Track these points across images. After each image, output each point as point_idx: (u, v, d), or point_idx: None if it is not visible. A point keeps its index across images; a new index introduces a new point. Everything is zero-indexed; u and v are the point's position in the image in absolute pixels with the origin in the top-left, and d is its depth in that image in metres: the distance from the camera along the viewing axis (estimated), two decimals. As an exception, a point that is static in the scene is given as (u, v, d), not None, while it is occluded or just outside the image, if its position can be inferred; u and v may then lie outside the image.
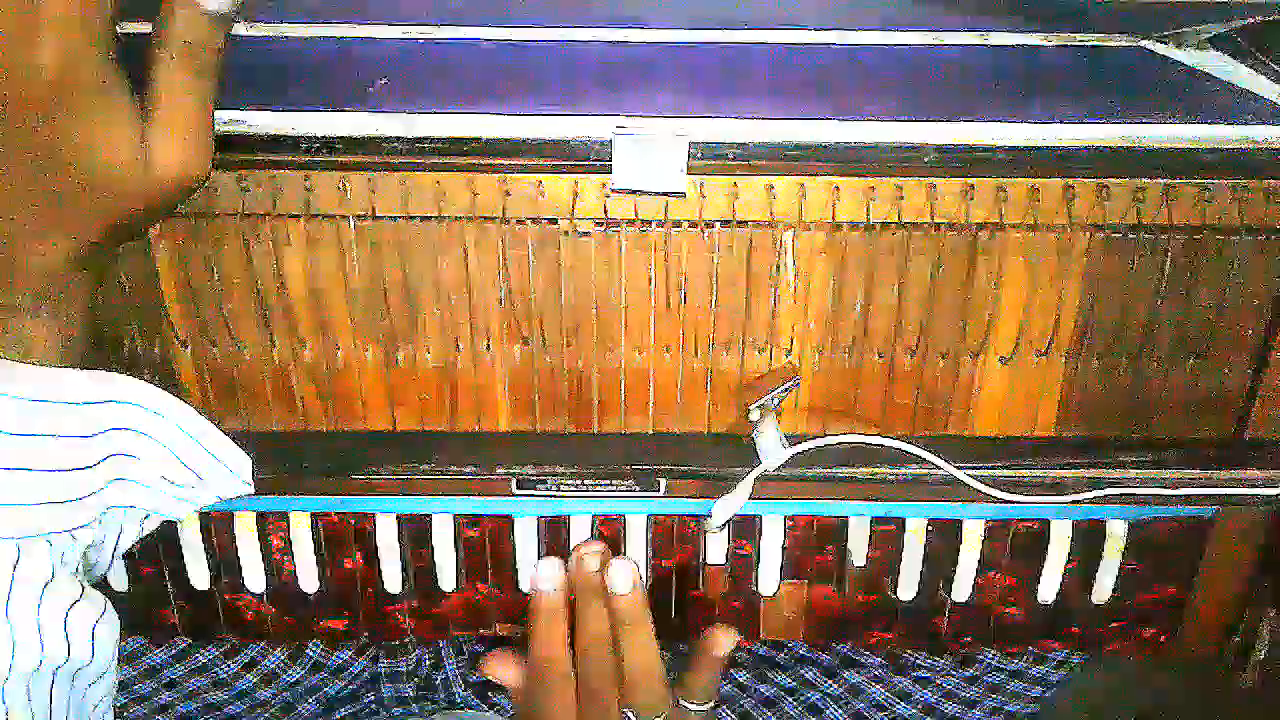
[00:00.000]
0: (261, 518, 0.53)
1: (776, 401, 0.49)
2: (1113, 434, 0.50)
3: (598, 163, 0.43)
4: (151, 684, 0.70)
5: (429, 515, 0.54)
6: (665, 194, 0.44)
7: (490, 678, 0.56)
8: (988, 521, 0.53)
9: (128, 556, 0.53)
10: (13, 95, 0.35)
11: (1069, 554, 0.54)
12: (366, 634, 0.58)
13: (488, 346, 0.48)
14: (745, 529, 0.54)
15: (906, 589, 0.55)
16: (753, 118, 0.43)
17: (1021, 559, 0.54)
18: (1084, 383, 0.49)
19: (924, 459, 0.49)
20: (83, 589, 0.42)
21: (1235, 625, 0.56)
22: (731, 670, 0.75)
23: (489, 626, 0.57)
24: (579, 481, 0.51)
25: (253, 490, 0.47)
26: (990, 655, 0.73)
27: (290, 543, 0.54)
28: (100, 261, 0.41)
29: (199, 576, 0.54)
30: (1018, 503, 0.50)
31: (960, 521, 0.53)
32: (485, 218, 0.45)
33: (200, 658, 0.70)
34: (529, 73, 0.48)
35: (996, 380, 0.49)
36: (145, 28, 0.38)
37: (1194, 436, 0.50)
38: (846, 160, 0.43)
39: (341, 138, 0.42)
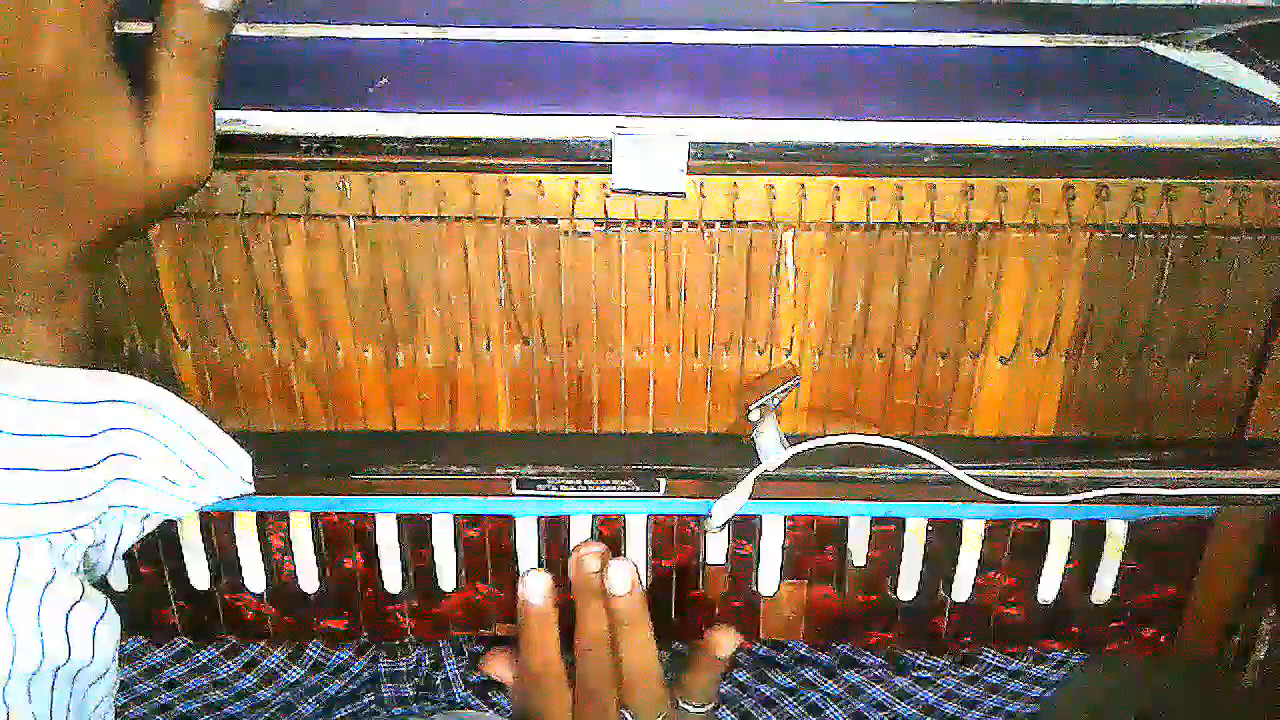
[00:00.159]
0: (261, 518, 0.53)
1: (776, 401, 0.49)
2: (1113, 434, 0.50)
3: (598, 163, 0.43)
4: (151, 684, 0.70)
5: (429, 515, 0.54)
6: (665, 194, 0.44)
7: (488, 675, 0.56)
8: (988, 521, 0.53)
9: (128, 556, 0.53)
10: (13, 95, 0.35)
11: (1069, 554, 0.54)
12: (366, 634, 0.58)
13: (488, 346, 0.48)
14: (745, 529, 0.54)
15: (906, 589, 0.55)
16: (753, 118, 0.43)
17: (1021, 559, 0.54)
18: (1084, 383, 0.49)
19: (924, 459, 0.49)
20: (83, 589, 0.42)
21: (1235, 625, 0.56)
22: (731, 670, 0.75)
23: (489, 626, 0.57)
24: (579, 481, 0.51)
25: (253, 489, 0.47)
26: (990, 655, 0.73)
27: (290, 543, 0.54)
28: (100, 261, 0.41)
29: (199, 576, 0.54)
30: (1018, 503, 0.50)
31: (960, 521, 0.53)
32: (485, 218, 0.45)
33: (200, 658, 0.70)
34: (529, 73, 0.48)
35: (996, 380, 0.49)
36: (145, 28, 0.38)
37: (1194, 436, 0.50)
38: (846, 160, 0.43)
39: (341, 138, 0.42)
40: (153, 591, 0.55)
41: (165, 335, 0.48)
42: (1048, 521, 0.53)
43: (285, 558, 0.54)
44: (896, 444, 0.49)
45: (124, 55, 0.37)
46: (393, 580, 0.55)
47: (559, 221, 0.45)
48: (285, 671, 0.72)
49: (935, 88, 0.48)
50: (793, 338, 0.48)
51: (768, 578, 0.55)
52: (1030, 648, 0.61)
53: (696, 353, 0.49)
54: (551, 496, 0.52)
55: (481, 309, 0.47)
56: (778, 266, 0.46)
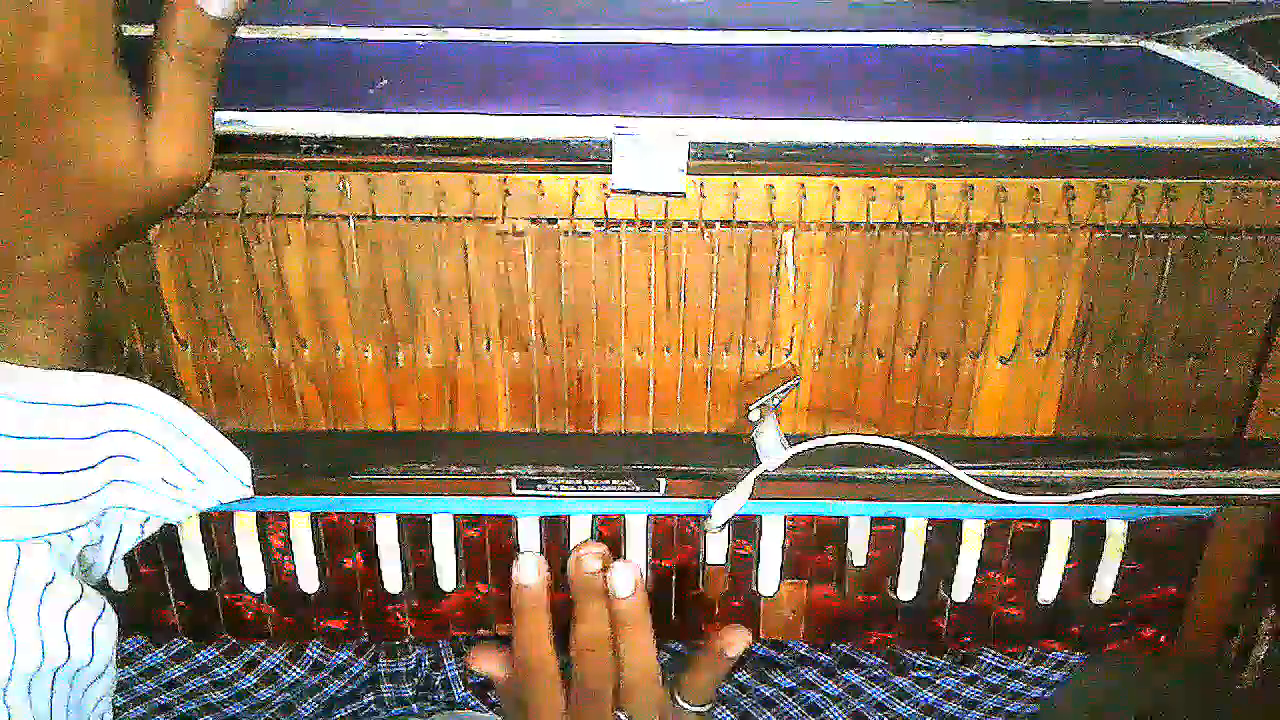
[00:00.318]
0: (261, 518, 0.53)
1: (776, 401, 0.49)
2: (1113, 434, 0.50)
3: (598, 163, 0.43)
4: (151, 684, 0.70)
5: (429, 515, 0.54)
6: (665, 194, 0.44)
7: (476, 670, 0.56)
8: (988, 521, 0.53)
9: (128, 557, 0.53)
10: (14, 95, 0.35)
11: (1069, 554, 0.54)
12: (366, 634, 0.58)
13: (488, 347, 0.48)
14: (745, 529, 0.54)
15: (906, 589, 0.55)
16: (753, 118, 0.43)
17: (1021, 559, 0.54)
18: (1084, 383, 0.49)
19: (924, 459, 0.49)
20: (82, 590, 0.42)
21: (1235, 625, 0.56)
22: (733, 671, 0.75)
23: (489, 626, 0.57)
24: (579, 481, 0.51)
25: (252, 494, 0.47)
26: (990, 655, 0.73)
27: (290, 543, 0.54)
28: (100, 262, 0.41)
29: (199, 576, 0.54)
30: (1018, 503, 0.50)
31: (960, 521, 0.53)
32: (485, 218, 0.45)
33: (200, 658, 0.70)
34: (529, 73, 0.48)
35: (996, 380, 0.49)
36: (147, 30, 0.38)
37: (1194, 436, 0.50)
38: (846, 160, 0.43)
39: (341, 138, 0.42)
40: (153, 592, 0.55)
41: (165, 335, 0.48)
42: (1048, 521, 0.53)
43: (285, 558, 0.54)
44: (896, 444, 0.49)
45: (125, 57, 0.37)
46: (393, 580, 0.55)
47: (559, 221, 0.45)
48: (285, 671, 0.72)
49: (935, 88, 0.48)
50: (793, 338, 0.48)
51: (768, 578, 0.55)
52: (1030, 648, 0.61)
53: (696, 353, 0.49)
54: (551, 496, 0.52)
55: (481, 309, 0.47)
56: (778, 266, 0.46)
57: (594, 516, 0.54)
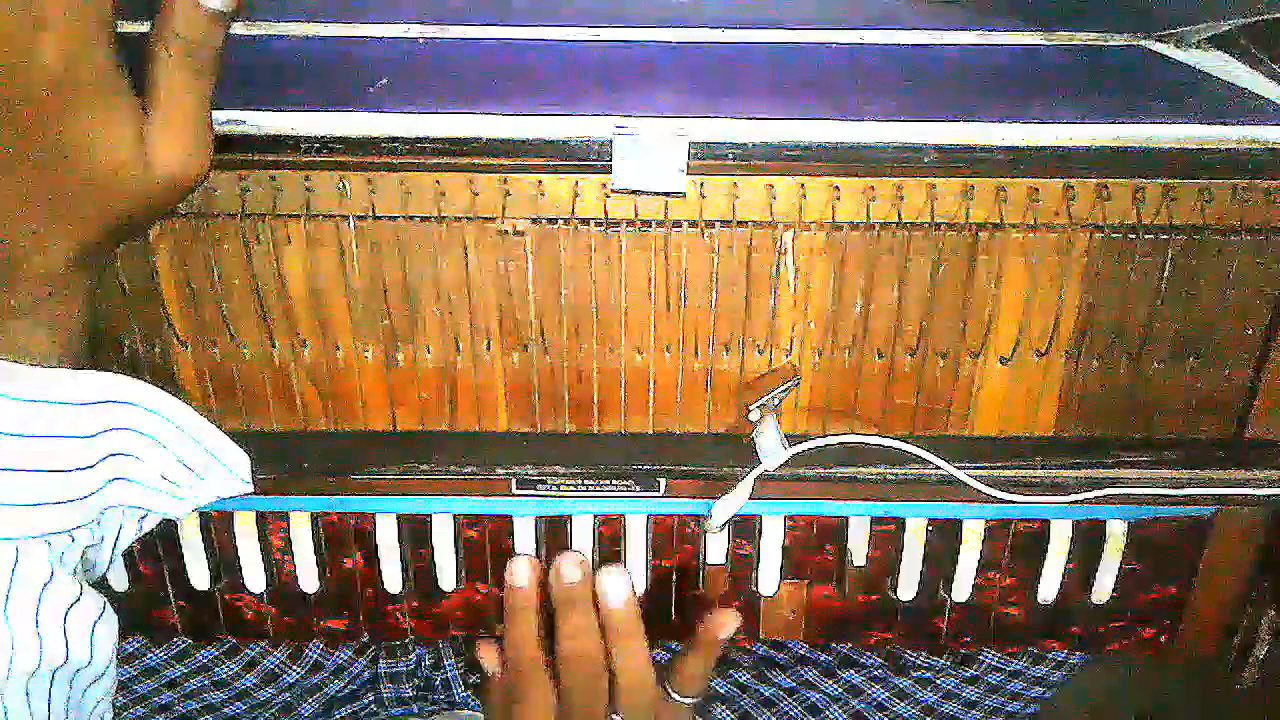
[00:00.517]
0: (261, 518, 0.53)
1: (776, 401, 0.49)
2: (1113, 434, 0.50)
3: (598, 163, 0.43)
4: (151, 684, 0.70)
5: (429, 515, 0.54)
6: (665, 194, 0.44)
7: (479, 662, 0.56)
8: (988, 521, 0.53)
9: (127, 556, 0.53)
10: (14, 95, 0.35)
11: (1069, 554, 0.54)
12: (366, 634, 0.58)
13: (488, 347, 0.48)
14: (745, 529, 0.54)
15: (906, 589, 0.55)
16: (753, 118, 0.43)
17: (1021, 559, 0.54)
18: (1084, 383, 0.49)
19: (924, 459, 0.49)
20: (81, 589, 0.42)
21: (1235, 625, 0.56)
22: (731, 670, 0.75)
23: (489, 626, 0.57)
24: (579, 481, 0.51)
25: (252, 489, 0.47)
26: (990, 655, 0.73)
27: (290, 543, 0.54)
28: (100, 262, 0.41)
29: (199, 576, 0.54)
30: (1018, 503, 0.50)
31: (960, 521, 0.53)
32: (485, 218, 0.45)
33: (200, 658, 0.70)
34: (529, 73, 0.48)
35: (996, 380, 0.49)
36: (145, 28, 0.38)
37: (1194, 436, 0.50)
38: (846, 160, 0.43)
39: (341, 138, 0.42)
40: (153, 591, 0.55)
41: (165, 335, 0.48)
42: (1048, 521, 0.53)
43: (285, 558, 0.54)
44: (896, 444, 0.49)
45: (124, 55, 0.37)
46: (393, 580, 0.55)
47: (559, 221, 0.45)
48: (285, 671, 0.72)
49: (935, 88, 0.48)
50: (793, 338, 0.48)
51: (768, 578, 0.55)
52: (1030, 648, 0.61)
53: (696, 353, 0.49)
54: (551, 496, 0.52)
55: (481, 309, 0.47)
56: (778, 266, 0.46)
57: (594, 516, 0.54)
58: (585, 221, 0.45)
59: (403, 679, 0.75)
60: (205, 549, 0.54)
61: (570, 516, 0.54)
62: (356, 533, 0.54)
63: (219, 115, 0.40)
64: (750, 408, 0.49)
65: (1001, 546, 0.54)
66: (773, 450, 0.48)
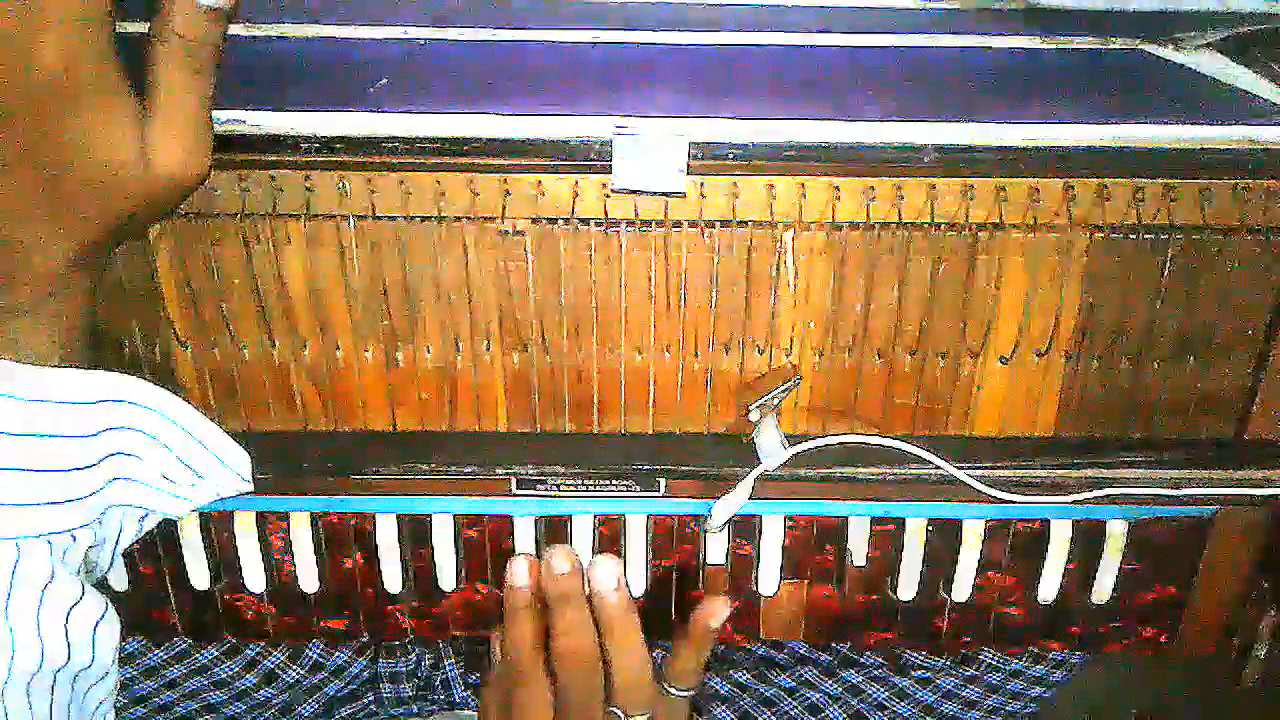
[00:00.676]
0: (261, 517, 0.53)
1: (776, 401, 0.49)
2: (1113, 434, 0.50)
3: (598, 163, 0.43)
4: (151, 684, 0.70)
5: (429, 515, 0.54)
6: (665, 194, 0.44)
7: (492, 652, 0.55)
8: (988, 521, 0.53)
9: (127, 556, 0.53)
10: (14, 95, 0.35)
11: (1069, 554, 0.54)
12: (366, 634, 0.58)
13: (487, 347, 0.48)
14: (745, 529, 0.54)
15: (906, 589, 0.55)
16: (753, 118, 0.43)
17: (1021, 559, 0.54)
18: (1084, 383, 0.49)
19: (924, 459, 0.49)
20: (83, 589, 0.42)
21: (1235, 625, 0.56)
22: (731, 670, 0.75)
23: (489, 626, 0.57)
24: (579, 481, 0.51)
25: (252, 488, 0.47)
26: (990, 655, 0.73)
27: (290, 543, 0.54)
28: (100, 262, 0.41)
29: (199, 576, 0.54)
30: (1018, 503, 0.50)
31: (960, 521, 0.53)
32: (485, 218, 0.45)
33: (200, 658, 0.70)
34: (529, 73, 0.48)
35: (996, 380, 0.49)
36: (145, 28, 0.38)
37: (1194, 436, 0.50)
38: (846, 160, 0.43)
39: (341, 138, 0.42)
40: (153, 591, 0.55)
41: (165, 335, 0.48)
42: (1048, 521, 0.53)
43: (285, 558, 0.54)
44: (896, 444, 0.49)
45: (124, 55, 0.37)
46: (393, 580, 0.55)
47: (559, 221, 0.45)
48: (285, 672, 0.72)
49: (935, 88, 0.48)
50: (793, 338, 0.48)
51: (768, 578, 0.55)
52: (1030, 648, 0.61)
53: (696, 353, 0.49)
54: (551, 496, 0.52)
55: (481, 309, 0.47)
56: (778, 266, 0.46)
57: (594, 516, 0.54)
58: (585, 221, 0.45)
59: (402, 679, 0.75)
60: (205, 549, 0.54)
61: (570, 517, 0.54)
62: (356, 533, 0.54)
63: (219, 115, 0.40)
64: (750, 408, 0.49)
65: (1001, 546, 0.54)
66: (773, 450, 0.48)
